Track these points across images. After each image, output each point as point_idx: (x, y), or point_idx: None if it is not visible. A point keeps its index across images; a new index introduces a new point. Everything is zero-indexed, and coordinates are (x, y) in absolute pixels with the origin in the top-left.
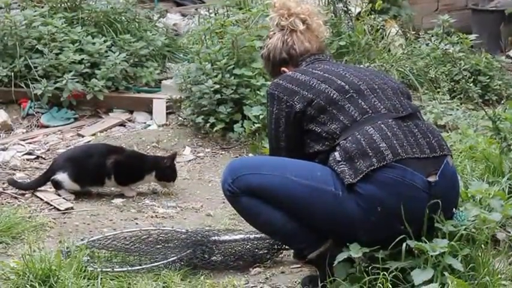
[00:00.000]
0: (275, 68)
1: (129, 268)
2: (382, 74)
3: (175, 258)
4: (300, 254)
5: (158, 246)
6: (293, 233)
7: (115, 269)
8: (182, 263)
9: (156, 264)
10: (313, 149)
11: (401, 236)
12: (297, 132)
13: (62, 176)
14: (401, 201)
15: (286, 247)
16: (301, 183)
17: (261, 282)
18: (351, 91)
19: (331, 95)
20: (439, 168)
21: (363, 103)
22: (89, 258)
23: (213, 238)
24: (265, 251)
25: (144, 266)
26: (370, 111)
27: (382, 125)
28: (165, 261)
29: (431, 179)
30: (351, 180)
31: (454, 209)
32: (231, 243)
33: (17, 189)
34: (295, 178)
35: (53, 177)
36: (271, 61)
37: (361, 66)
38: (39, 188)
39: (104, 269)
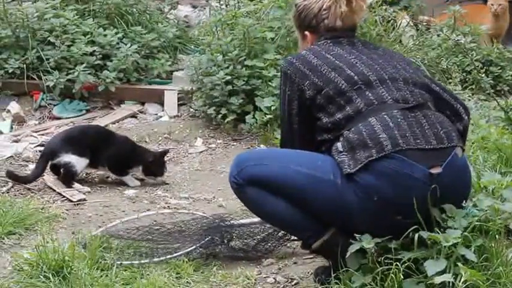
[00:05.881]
0: (301, 26)
1: (148, 260)
2: (395, 61)
3: (194, 247)
4: (306, 243)
5: (175, 235)
6: (297, 222)
7: (133, 262)
8: (202, 249)
9: (176, 255)
10: (321, 137)
11: (413, 227)
12: (309, 117)
13: (68, 157)
14: (398, 191)
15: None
16: (301, 172)
17: (273, 273)
18: (360, 82)
19: (340, 85)
20: (445, 159)
21: (370, 94)
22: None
23: (231, 222)
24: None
25: (162, 258)
26: (376, 102)
27: (386, 116)
28: (184, 252)
29: (435, 170)
30: (349, 170)
31: (464, 202)
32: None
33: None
34: (296, 167)
35: (57, 160)
36: (301, 18)
37: (376, 48)
38: (48, 179)
39: (122, 262)
